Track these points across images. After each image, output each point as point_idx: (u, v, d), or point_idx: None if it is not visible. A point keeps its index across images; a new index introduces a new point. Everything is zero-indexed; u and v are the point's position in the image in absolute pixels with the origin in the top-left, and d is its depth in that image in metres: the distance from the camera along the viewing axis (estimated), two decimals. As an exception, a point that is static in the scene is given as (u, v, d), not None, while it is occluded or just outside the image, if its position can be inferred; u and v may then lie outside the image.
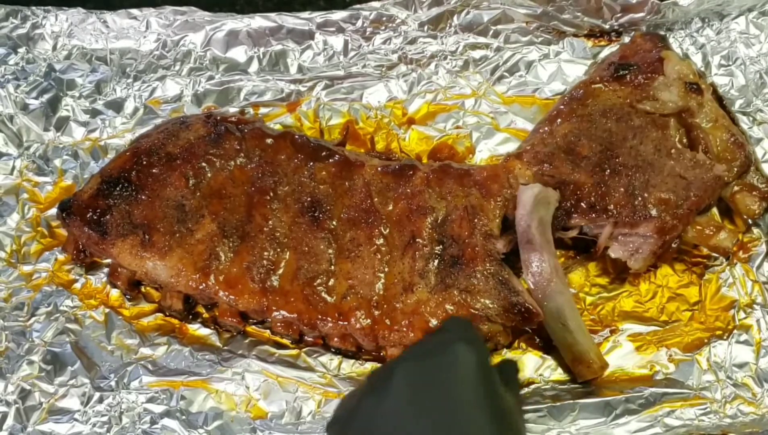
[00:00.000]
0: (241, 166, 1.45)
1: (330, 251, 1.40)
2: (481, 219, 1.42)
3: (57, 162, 1.55)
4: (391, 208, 1.43)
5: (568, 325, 1.37)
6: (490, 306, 1.36)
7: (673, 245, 1.45)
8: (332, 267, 1.39)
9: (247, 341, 1.44)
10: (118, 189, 1.41)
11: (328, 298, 1.37)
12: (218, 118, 1.49)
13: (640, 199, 1.41)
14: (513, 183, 1.44)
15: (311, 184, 1.44)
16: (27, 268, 1.47)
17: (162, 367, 1.41)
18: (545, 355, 1.44)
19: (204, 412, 1.38)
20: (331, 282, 1.38)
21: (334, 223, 1.42)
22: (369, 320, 1.36)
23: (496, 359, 1.42)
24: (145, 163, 1.43)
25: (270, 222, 1.41)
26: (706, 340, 1.44)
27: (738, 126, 1.53)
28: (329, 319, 1.37)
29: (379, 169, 1.46)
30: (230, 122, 1.49)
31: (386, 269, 1.39)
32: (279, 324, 1.39)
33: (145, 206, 1.40)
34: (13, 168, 1.53)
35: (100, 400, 1.37)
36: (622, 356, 1.43)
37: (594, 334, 1.43)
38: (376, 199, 1.44)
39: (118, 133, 1.58)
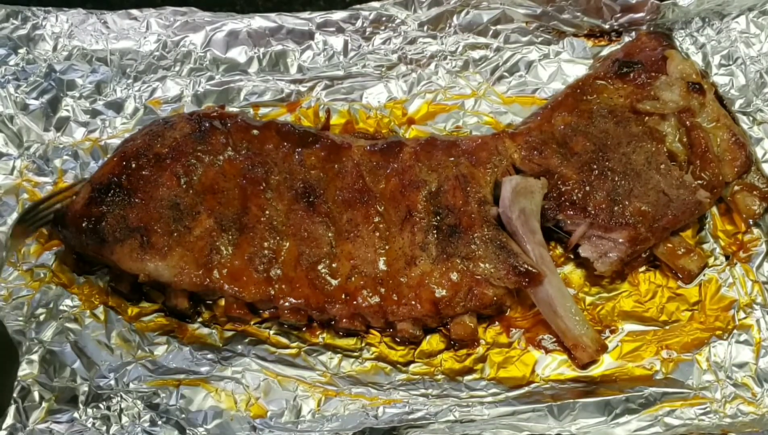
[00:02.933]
0: (230, 159, 1.45)
1: (329, 234, 1.41)
2: (473, 186, 1.45)
3: (57, 162, 1.55)
4: (383, 185, 1.45)
5: (558, 311, 1.38)
6: (492, 271, 1.38)
7: (643, 255, 1.47)
8: (333, 249, 1.40)
9: (246, 340, 1.44)
10: (110, 195, 1.41)
11: (333, 281, 1.38)
12: (201, 114, 1.49)
13: (620, 205, 1.43)
14: (501, 150, 1.47)
15: (302, 170, 1.45)
16: (26, 268, 1.47)
17: (162, 366, 1.41)
18: (545, 354, 1.44)
19: (203, 411, 1.38)
20: (335, 264, 1.39)
21: (330, 206, 1.43)
22: (376, 298, 1.38)
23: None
24: (134, 166, 1.43)
25: (266, 212, 1.42)
26: (706, 340, 1.44)
27: (738, 126, 1.53)
28: (336, 301, 1.38)
29: (367, 148, 1.48)
30: (213, 117, 1.49)
31: (387, 246, 1.41)
32: (287, 311, 1.39)
33: (139, 209, 1.40)
34: (14, 168, 1.53)
35: (100, 399, 1.37)
36: (622, 356, 1.43)
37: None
38: (367, 179, 1.45)
39: (118, 133, 1.58)
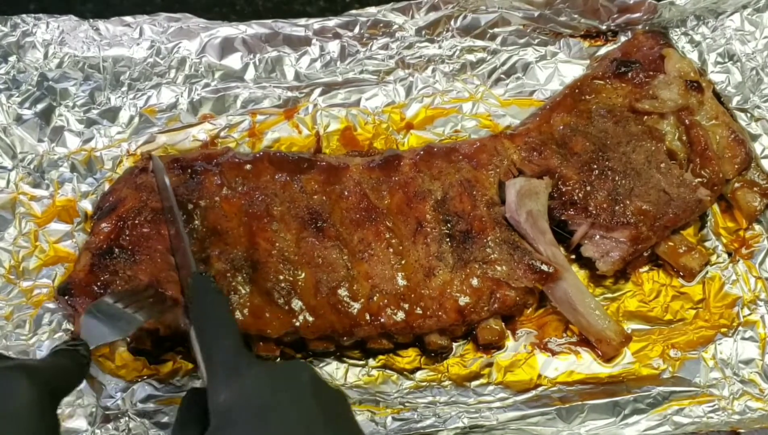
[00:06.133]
0: (228, 198, 1.40)
1: (343, 257, 1.38)
2: (479, 189, 1.44)
3: (53, 174, 1.49)
4: (388, 200, 1.43)
5: (577, 308, 1.38)
6: (510, 272, 1.38)
7: (645, 254, 1.47)
8: (350, 272, 1.37)
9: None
10: (112, 259, 1.34)
11: (355, 304, 1.36)
12: (187, 158, 1.44)
13: (621, 205, 1.43)
14: (501, 150, 1.47)
15: (304, 197, 1.42)
16: (27, 284, 1.41)
17: (168, 384, 1.37)
18: (551, 357, 1.43)
19: (213, 428, 1.35)
20: (354, 286, 1.36)
21: (339, 229, 1.40)
22: (401, 314, 1.36)
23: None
24: (130, 225, 1.37)
25: (276, 244, 1.38)
26: (711, 338, 1.44)
27: (737, 123, 1.54)
28: (362, 322, 1.35)
29: (366, 166, 1.46)
30: (201, 159, 1.44)
31: (403, 261, 1.39)
32: (315, 341, 1.36)
33: (146, 265, 1.34)
34: (9, 181, 1.48)
35: (108, 420, 1.32)
36: (627, 356, 1.43)
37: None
38: (371, 196, 1.43)
39: (114, 142, 1.53)
